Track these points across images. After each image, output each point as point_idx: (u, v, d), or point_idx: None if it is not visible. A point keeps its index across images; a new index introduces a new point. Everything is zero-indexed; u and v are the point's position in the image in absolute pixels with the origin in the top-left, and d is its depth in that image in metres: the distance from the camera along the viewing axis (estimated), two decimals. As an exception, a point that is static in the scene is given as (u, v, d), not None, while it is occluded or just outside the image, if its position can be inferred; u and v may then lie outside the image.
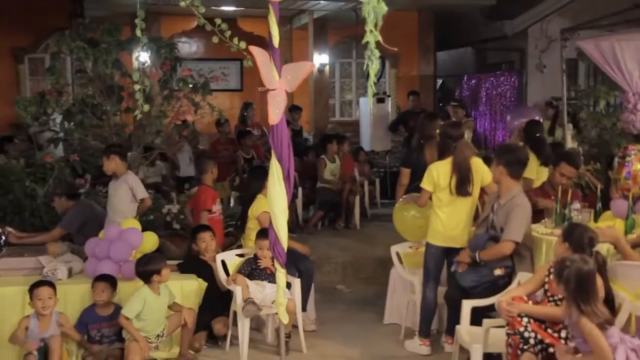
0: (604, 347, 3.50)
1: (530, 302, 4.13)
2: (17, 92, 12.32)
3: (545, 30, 12.09)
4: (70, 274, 5.34)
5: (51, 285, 4.87)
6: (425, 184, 5.31)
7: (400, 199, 6.10)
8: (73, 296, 5.16)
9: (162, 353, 5.23)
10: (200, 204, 6.26)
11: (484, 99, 13.88)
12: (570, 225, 4.48)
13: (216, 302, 5.53)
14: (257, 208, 5.90)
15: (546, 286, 4.19)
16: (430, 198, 5.38)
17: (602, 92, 9.01)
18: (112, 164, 6.06)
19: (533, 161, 6.20)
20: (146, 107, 5.34)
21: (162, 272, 5.04)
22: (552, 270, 3.98)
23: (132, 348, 4.87)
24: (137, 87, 5.22)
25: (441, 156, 5.35)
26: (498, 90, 13.44)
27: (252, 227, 5.93)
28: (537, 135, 6.93)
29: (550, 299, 4.15)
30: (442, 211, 5.27)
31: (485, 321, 4.42)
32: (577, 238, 4.11)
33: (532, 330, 3.97)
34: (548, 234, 5.11)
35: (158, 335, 5.06)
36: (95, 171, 7.47)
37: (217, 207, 6.40)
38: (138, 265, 5.11)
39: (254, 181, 6.13)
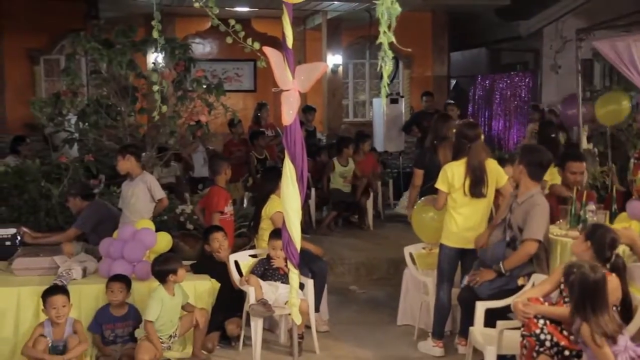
0: (607, 356, 3.46)
1: (546, 304, 4.10)
2: (32, 93, 12.44)
3: (560, 30, 12.02)
4: (84, 273, 5.37)
5: (65, 292, 4.86)
6: (440, 185, 5.28)
7: (420, 201, 6.06)
8: (87, 296, 5.19)
9: (175, 353, 5.25)
10: (212, 205, 6.27)
11: (498, 99, 13.82)
12: (593, 225, 4.44)
13: (229, 302, 5.54)
14: (270, 208, 5.91)
15: (562, 286, 4.16)
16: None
17: (618, 93, 8.92)
18: (127, 163, 6.09)
19: None
20: (164, 108, 5.37)
21: (178, 272, 5.06)
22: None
23: (143, 347, 4.88)
24: (155, 87, 5.25)
25: (455, 157, 5.33)
26: (512, 91, 13.37)
27: (265, 228, 5.94)
28: (552, 136, 6.87)
29: (567, 299, 4.12)
30: (457, 212, 5.24)
31: (499, 323, 4.39)
32: (599, 238, 4.08)
33: (549, 333, 3.94)
34: (562, 236, 5.07)
35: (170, 336, 5.08)
36: (109, 171, 7.51)
37: (228, 208, 6.41)
38: (154, 264, 5.13)
39: (267, 182, 6.14)
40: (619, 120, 8.34)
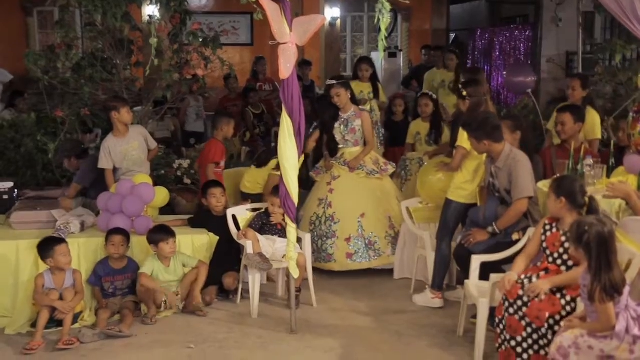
0: (611, 315, 3.48)
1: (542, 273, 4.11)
2: (26, 46, 12.26)
3: (562, -19, 11.83)
4: (82, 227, 5.39)
5: (64, 241, 4.94)
6: (465, 142, 5.17)
7: (427, 163, 5.98)
8: (86, 250, 5.22)
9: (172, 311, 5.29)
10: (209, 157, 6.26)
11: (498, 53, 13.69)
12: (556, 180, 4.30)
13: (227, 256, 5.58)
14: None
15: (544, 244, 4.17)
16: None
17: (619, 46, 8.84)
18: (130, 114, 6.06)
19: (597, 118, 6.18)
20: (157, 62, 5.29)
21: (159, 245, 5.13)
22: (566, 234, 3.86)
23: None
24: (153, 40, 5.17)
25: (475, 112, 5.30)
26: (512, 45, 13.23)
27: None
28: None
29: (550, 258, 4.13)
30: (467, 169, 5.27)
31: (493, 276, 4.43)
32: (568, 189, 4.06)
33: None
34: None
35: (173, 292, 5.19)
36: (105, 126, 7.46)
37: (223, 162, 6.43)
38: (149, 230, 5.27)
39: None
40: None
